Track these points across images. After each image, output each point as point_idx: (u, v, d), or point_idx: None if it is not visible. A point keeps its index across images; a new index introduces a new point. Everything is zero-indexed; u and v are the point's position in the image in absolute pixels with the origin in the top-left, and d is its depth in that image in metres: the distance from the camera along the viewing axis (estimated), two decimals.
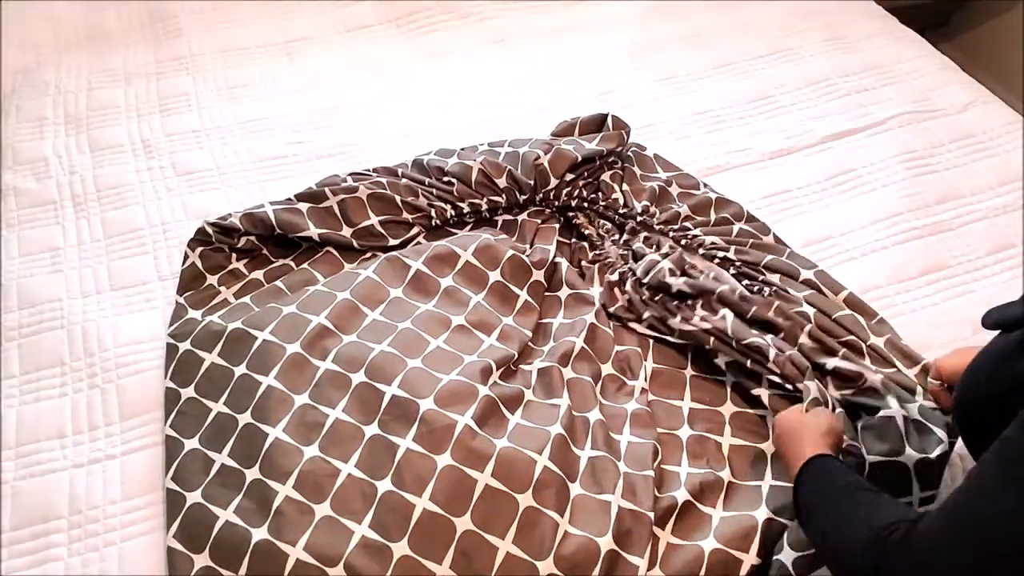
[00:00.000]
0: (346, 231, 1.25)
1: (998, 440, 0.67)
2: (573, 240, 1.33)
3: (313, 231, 1.24)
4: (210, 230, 1.25)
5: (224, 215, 1.28)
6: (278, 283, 1.21)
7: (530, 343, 1.15)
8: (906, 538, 0.70)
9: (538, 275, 1.22)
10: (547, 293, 1.23)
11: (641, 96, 1.65)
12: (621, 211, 1.34)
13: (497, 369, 1.07)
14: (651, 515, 0.95)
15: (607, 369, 1.14)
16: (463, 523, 0.92)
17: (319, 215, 1.26)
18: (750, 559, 0.95)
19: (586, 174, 1.36)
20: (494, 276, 1.19)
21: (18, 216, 1.38)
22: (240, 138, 1.54)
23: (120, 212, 1.39)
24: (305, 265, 1.24)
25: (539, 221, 1.32)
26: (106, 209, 1.39)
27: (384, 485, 0.95)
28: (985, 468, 0.68)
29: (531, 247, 1.27)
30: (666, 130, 1.56)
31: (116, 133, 1.55)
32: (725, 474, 1.02)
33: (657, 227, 1.31)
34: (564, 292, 1.23)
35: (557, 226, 1.32)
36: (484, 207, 1.31)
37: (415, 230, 1.29)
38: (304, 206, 1.26)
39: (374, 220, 1.26)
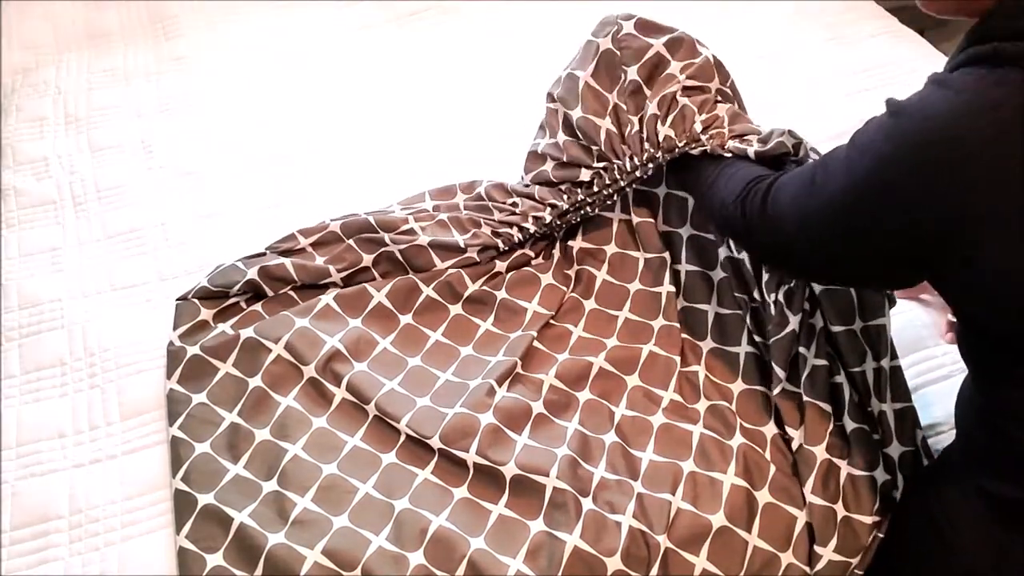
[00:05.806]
0: (412, 275, 1.20)
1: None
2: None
3: (379, 290, 1.17)
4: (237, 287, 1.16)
5: (279, 261, 1.18)
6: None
7: (539, 345, 1.13)
8: (767, 190, 0.89)
9: (547, 280, 1.20)
10: (572, 296, 1.19)
11: None
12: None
13: (500, 384, 1.06)
14: (662, 538, 0.93)
15: (634, 381, 1.10)
16: (477, 542, 0.93)
17: (382, 264, 1.20)
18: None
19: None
20: (500, 295, 1.18)
21: (18, 216, 1.38)
22: (240, 137, 1.53)
23: (120, 212, 1.39)
24: None
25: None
26: (106, 209, 1.39)
27: (401, 504, 0.97)
28: (836, 149, 0.84)
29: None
30: None
31: (116, 133, 1.54)
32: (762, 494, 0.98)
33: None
34: (590, 304, 1.19)
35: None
36: (548, 218, 1.20)
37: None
38: (368, 259, 1.19)
39: (442, 266, 1.20)
